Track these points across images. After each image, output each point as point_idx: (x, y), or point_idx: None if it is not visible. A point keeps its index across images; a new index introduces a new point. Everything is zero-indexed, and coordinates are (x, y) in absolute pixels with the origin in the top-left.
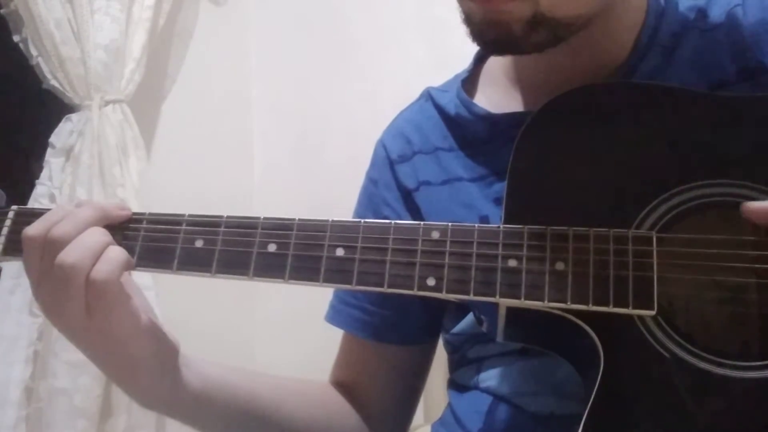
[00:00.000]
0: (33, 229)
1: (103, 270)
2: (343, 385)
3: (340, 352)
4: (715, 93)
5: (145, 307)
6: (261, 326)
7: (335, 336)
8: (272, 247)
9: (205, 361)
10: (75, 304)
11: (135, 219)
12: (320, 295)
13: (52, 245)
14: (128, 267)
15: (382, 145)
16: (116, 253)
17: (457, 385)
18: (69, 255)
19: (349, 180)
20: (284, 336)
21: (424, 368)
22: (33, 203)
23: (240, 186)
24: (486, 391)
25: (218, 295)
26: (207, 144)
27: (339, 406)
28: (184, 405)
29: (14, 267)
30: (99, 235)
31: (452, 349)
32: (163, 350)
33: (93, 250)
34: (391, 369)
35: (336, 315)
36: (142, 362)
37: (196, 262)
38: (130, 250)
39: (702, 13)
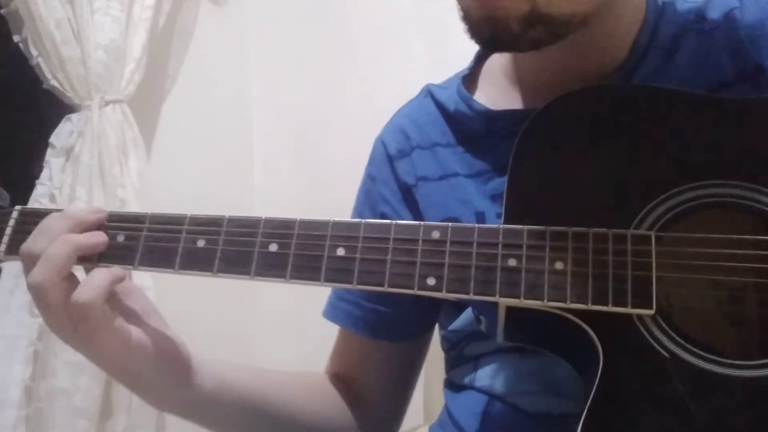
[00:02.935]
0: (24, 243)
1: (83, 294)
2: (340, 376)
3: (336, 345)
4: (714, 94)
5: (146, 311)
6: (261, 323)
7: (334, 332)
8: (273, 247)
9: (215, 362)
10: (58, 320)
11: (137, 219)
12: (319, 293)
13: (28, 260)
14: (111, 287)
15: (380, 142)
16: (100, 278)
17: (453, 385)
18: (35, 275)
19: (349, 180)
20: (284, 333)
21: (418, 362)
22: (33, 203)
23: (240, 186)
24: (481, 390)
25: (218, 293)
26: (207, 144)
27: (337, 398)
28: (196, 407)
29: (14, 267)
30: (64, 248)
31: (449, 347)
32: (166, 360)
33: (59, 267)
34: (385, 363)
35: (332, 311)
36: (142, 372)
37: (198, 261)
38: (133, 250)
39: (700, 14)
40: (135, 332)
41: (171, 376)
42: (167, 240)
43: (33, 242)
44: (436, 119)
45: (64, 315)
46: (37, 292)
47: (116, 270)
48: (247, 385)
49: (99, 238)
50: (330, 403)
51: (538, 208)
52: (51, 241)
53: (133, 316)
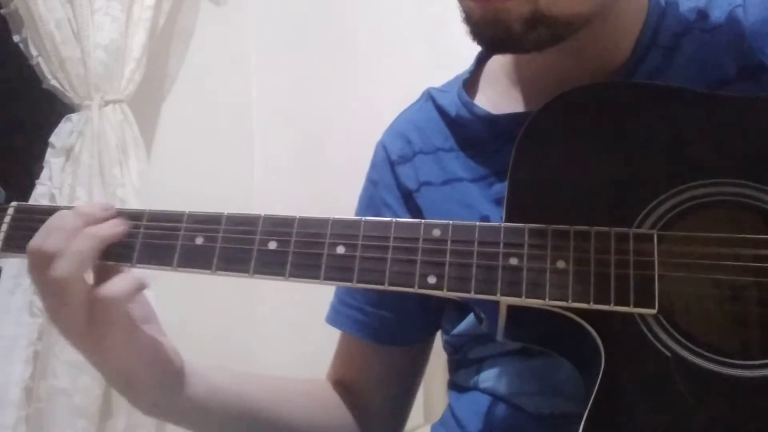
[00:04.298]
0: (32, 242)
1: (114, 289)
2: (341, 383)
3: (337, 351)
4: (716, 93)
5: (147, 316)
6: (260, 326)
7: (335, 336)
8: (273, 245)
9: (209, 368)
10: (72, 317)
11: (135, 216)
12: (320, 295)
13: (38, 258)
14: (139, 289)
15: (382, 146)
16: (131, 277)
17: (457, 386)
18: (58, 269)
19: (349, 180)
20: (284, 336)
21: (420, 367)
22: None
23: (240, 186)
24: (485, 391)
25: (218, 295)
26: (207, 144)
27: (337, 405)
28: (186, 413)
29: (14, 267)
30: (90, 242)
31: (453, 351)
32: (161, 365)
33: (84, 262)
34: (388, 368)
35: (336, 316)
36: (138, 376)
37: (197, 259)
38: (130, 247)
39: (702, 13)
40: (140, 334)
41: (163, 382)
42: (165, 237)
43: (43, 240)
44: (438, 124)
45: (80, 312)
46: (58, 288)
47: (143, 279)
48: (239, 393)
49: (120, 227)
50: (330, 409)
51: (540, 206)
52: (66, 239)
53: (137, 320)
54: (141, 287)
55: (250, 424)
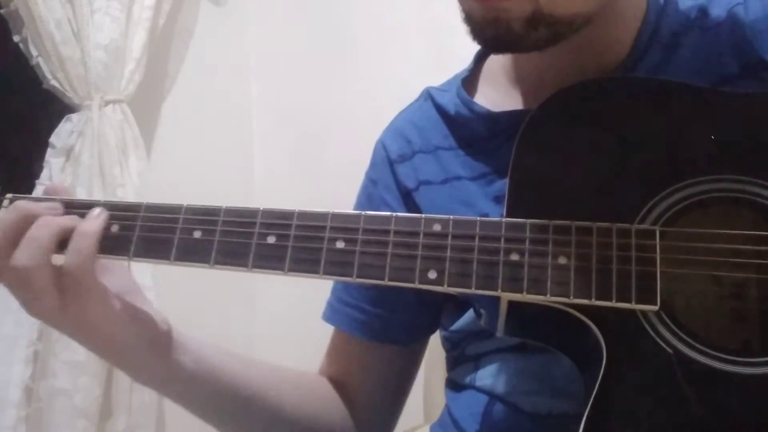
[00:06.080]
0: None
1: (72, 262)
2: (333, 379)
3: (331, 348)
4: (717, 88)
5: (130, 289)
6: (261, 323)
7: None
8: (272, 239)
9: (203, 344)
10: (47, 303)
11: (132, 208)
12: (320, 292)
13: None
14: (97, 245)
15: (381, 145)
16: (86, 242)
17: (454, 385)
18: (19, 259)
19: (349, 180)
20: (284, 332)
21: (414, 367)
22: None
23: (240, 186)
24: (482, 390)
25: (218, 292)
26: (207, 144)
27: (329, 398)
28: (175, 384)
29: None
30: (46, 228)
31: (451, 347)
32: (147, 333)
33: (44, 247)
34: (385, 367)
35: (333, 314)
36: (125, 345)
37: (195, 252)
38: (127, 240)
39: (703, 11)
40: (120, 302)
41: (151, 349)
42: (163, 230)
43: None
44: (437, 123)
45: (54, 295)
46: (24, 278)
47: (91, 224)
48: (229, 370)
49: (74, 221)
50: (319, 401)
51: (541, 202)
52: (20, 228)
53: (119, 293)
54: (97, 234)
55: (237, 403)
